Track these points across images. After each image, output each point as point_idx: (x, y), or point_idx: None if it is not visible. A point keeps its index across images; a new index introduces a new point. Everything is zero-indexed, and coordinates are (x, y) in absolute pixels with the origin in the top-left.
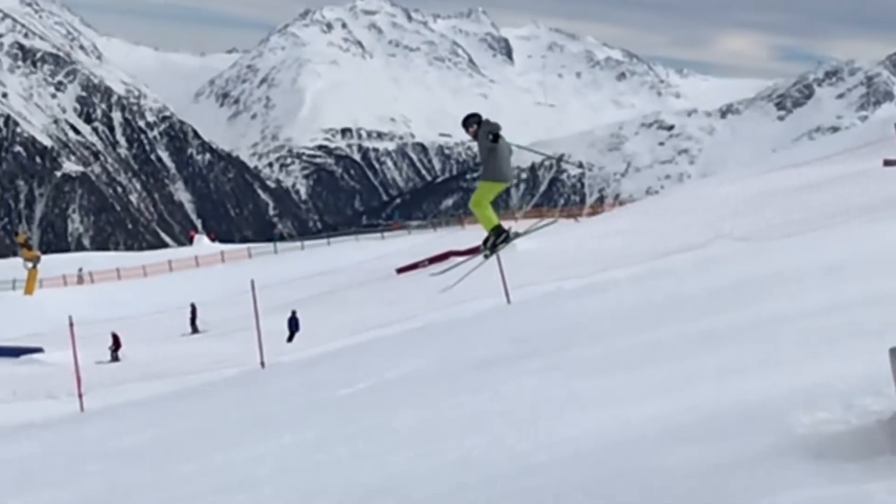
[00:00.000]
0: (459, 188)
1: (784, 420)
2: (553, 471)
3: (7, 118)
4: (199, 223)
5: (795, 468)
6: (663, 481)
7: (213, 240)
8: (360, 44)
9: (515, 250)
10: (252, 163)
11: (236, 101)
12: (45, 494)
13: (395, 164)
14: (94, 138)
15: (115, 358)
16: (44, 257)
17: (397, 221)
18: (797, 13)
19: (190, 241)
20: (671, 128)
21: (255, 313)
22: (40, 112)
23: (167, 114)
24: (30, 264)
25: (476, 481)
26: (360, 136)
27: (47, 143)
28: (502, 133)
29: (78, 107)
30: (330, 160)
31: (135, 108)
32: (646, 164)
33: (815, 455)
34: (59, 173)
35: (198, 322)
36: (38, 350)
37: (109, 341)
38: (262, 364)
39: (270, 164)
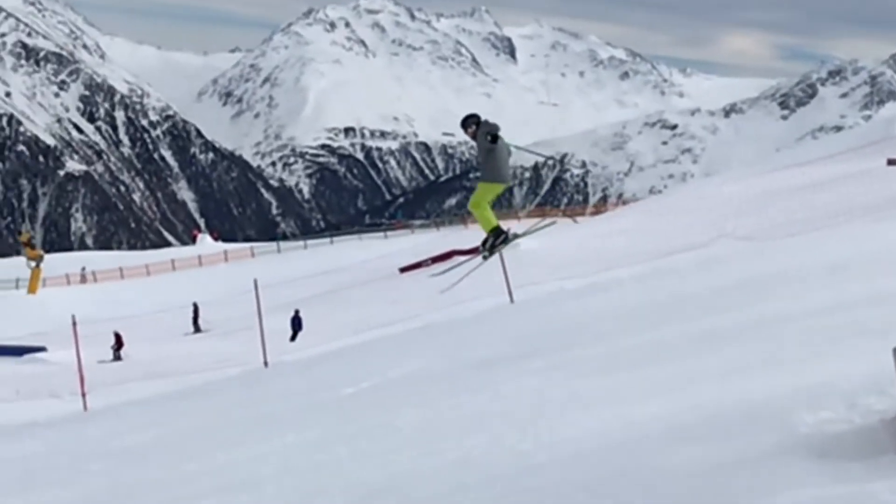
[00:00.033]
0: (463, 187)
1: (787, 419)
2: (555, 470)
3: (10, 117)
4: (202, 222)
5: (799, 467)
6: (666, 481)
7: (216, 239)
8: (363, 43)
9: (518, 249)
10: (255, 162)
11: (239, 101)
12: (47, 493)
13: (398, 163)
14: (97, 137)
15: (117, 357)
16: (47, 256)
17: (400, 221)
18: (800, 12)
19: (193, 240)
20: (674, 127)
21: (258, 312)
22: (43, 111)
23: (170, 113)
24: (33, 263)
25: (478, 481)
26: (363, 136)
27: (50, 142)
28: (501, 133)
29: (81, 106)
30: (333, 159)
31: (138, 107)
32: (649, 164)
33: (818, 454)
34: (62, 172)
35: (200, 321)
36: (42, 349)
37: (112, 340)
38: (266, 363)
39: (273, 164)
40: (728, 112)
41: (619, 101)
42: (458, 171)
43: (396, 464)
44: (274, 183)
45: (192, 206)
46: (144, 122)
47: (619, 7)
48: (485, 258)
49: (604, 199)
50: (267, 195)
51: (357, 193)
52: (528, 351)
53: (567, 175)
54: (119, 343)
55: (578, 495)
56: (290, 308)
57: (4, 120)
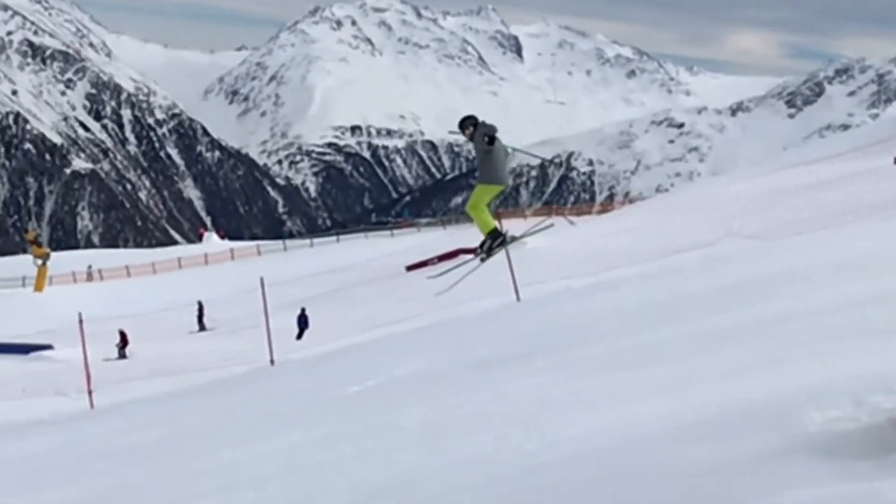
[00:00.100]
0: (469, 186)
1: (794, 418)
2: (559, 470)
3: (17, 115)
4: (208, 220)
5: (805, 466)
6: (671, 480)
7: (222, 237)
8: (369, 41)
9: (524, 248)
10: (261, 160)
11: (246, 99)
12: (53, 491)
13: (404, 161)
14: (103, 135)
15: (122, 355)
16: (53, 254)
17: (407, 219)
18: (807, 10)
19: (199, 238)
20: (681, 125)
21: (264, 311)
22: (50, 109)
23: (176, 111)
24: (39, 261)
25: (482, 480)
26: (369, 134)
27: (57, 140)
28: (498, 135)
29: (87, 104)
30: (339, 158)
31: (144, 105)
32: (656, 162)
33: (825, 453)
34: (68, 170)
35: (205, 319)
36: (48, 347)
37: (117, 339)
38: (272, 361)
39: (280, 162)
40: (735, 110)
41: (626, 99)
42: (464, 170)
43: (401, 463)
44: (280, 181)
45: (199, 205)
46: (151, 121)
47: (626, 5)
48: (482, 260)
49: (610, 197)
50: (273, 193)
51: (363, 192)
52: (533, 350)
53: (573, 174)
54: (124, 341)
55: (582, 495)
56: (296, 306)
57: (11, 118)
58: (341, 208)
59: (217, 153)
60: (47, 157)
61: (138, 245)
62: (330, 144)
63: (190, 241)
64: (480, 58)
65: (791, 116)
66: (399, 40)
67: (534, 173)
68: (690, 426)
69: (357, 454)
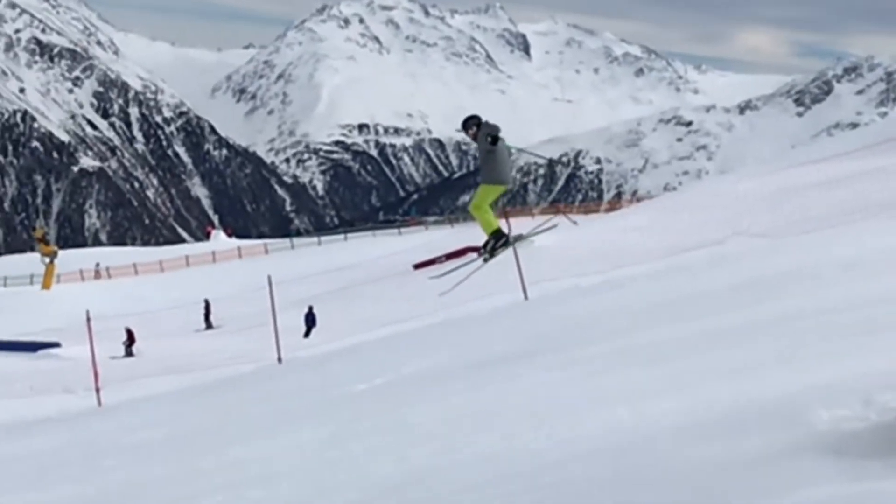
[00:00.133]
0: (476, 184)
1: (802, 417)
2: (571, 467)
3: (24, 113)
4: (215, 219)
5: (814, 465)
6: (681, 477)
7: (229, 235)
8: (377, 39)
9: (532, 246)
10: (269, 158)
11: (253, 97)
12: (61, 489)
13: (411, 159)
14: (111, 133)
15: (129, 353)
16: (61, 252)
17: (414, 217)
18: (816, 9)
19: (207, 236)
20: (689, 124)
21: (272, 309)
22: (57, 107)
23: (184, 109)
24: (47, 259)
25: (493, 478)
26: (376, 132)
27: (64, 138)
28: (502, 135)
29: (95, 102)
30: (347, 156)
31: (152, 103)
32: (664, 161)
33: (834, 452)
34: (76, 168)
35: (212, 318)
36: (56, 345)
37: (124, 336)
38: (279, 359)
39: (287, 160)
40: (743, 109)
41: (634, 97)
42: (472, 168)
43: (410, 460)
44: (288, 179)
45: (206, 203)
46: (158, 119)
47: (634, 3)
48: (485, 261)
49: (618, 196)
50: (281, 192)
51: (371, 190)
52: (541, 348)
53: (581, 172)
54: (131, 339)
55: (592, 492)
56: (303, 304)
57: (18, 116)
58: (349, 206)
59: (224, 151)
60: (55, 155)
61: (146, 243)
62: (337, 142)
63: (197, 239)
64: (488, 56)
65: (799, 115)
66: (407, 38)
67: (541, 172)
68: (699, 424)
69: (365, 452)
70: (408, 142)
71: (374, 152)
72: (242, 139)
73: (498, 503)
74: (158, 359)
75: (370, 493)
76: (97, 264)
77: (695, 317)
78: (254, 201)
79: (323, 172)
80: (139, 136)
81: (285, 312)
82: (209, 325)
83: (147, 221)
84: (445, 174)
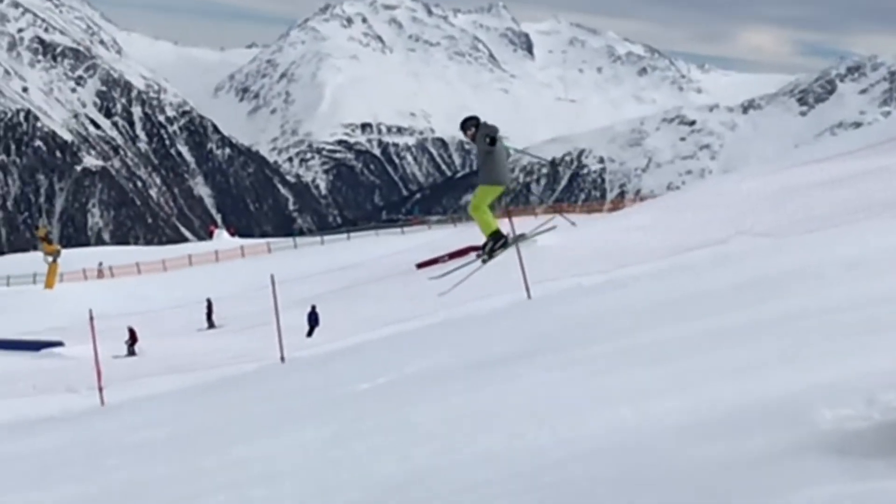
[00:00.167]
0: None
1: (806, 416)
2: (573, 467)
3: (27, 113)
4: (218, 218)
5: (817, 464)
6: (684, 476)
7: (232, 234)
8: (380, 38)
9: (535, 246)
10: (272, 157)
11: (256, 96)
12: (64, 488)
13: (414, 158)
14: (113, 133)
15: (131, 352)
16: (64, 251)
17: (417, 216)
18: (819, 8)
19: (210, 235)
20: (692, 123)
21: (275, 308)
22: (60, 106)
23: (187, 108)
24: (50, 258)
25: (497, 477)
26: (379, 131)
27: (67, 137)
28: (500, 135)
29: (98, 101)
30: (350, 155)
31: (154, 102)
32: (667, 160)
33: (837, 451)
34: (79, 168)
35: (214, 317)
36: (59, 344)
37: (126, 336)
38: (282, 359)
39: (290, 159)
40: (746, 108)
41: (637, 97)
42: (474, 167)
43: (413, 460)
44: (290, 178)
45: (209, 202)
46: (161, 118)
47: (637, 3)
48: (484, 262)
49: (621, 195)
50: (283, 191)
51: (374, 189)
52: (545, 347)
53: (584, 171)
54: (133, 338)
55: (596, 491)
56: (306, 304)
57: (21, 115)
58: (351, 206)
59: (227, 150)
60: (58, 154)
61: (149, 242)
62: (340, 142)
63: (200, 238)
64: (491, 55)
65: (803, 114)
66: (409, 38)
67: (544, 171)
68: (702, 424)
69: (368, 451)
70: (411, 141)
71: (377, 151)
72: (245, 138)
73: (500, 502)
74: (161, 358)
75: (373, 493)
76: (100, 263)
77: (698, 316)
78: (257, 200)
79: (326, 172)
80: (142, 135)
81: (288, 312)
82: (211, 325)
83: (150, 220)
84: (448, 173)
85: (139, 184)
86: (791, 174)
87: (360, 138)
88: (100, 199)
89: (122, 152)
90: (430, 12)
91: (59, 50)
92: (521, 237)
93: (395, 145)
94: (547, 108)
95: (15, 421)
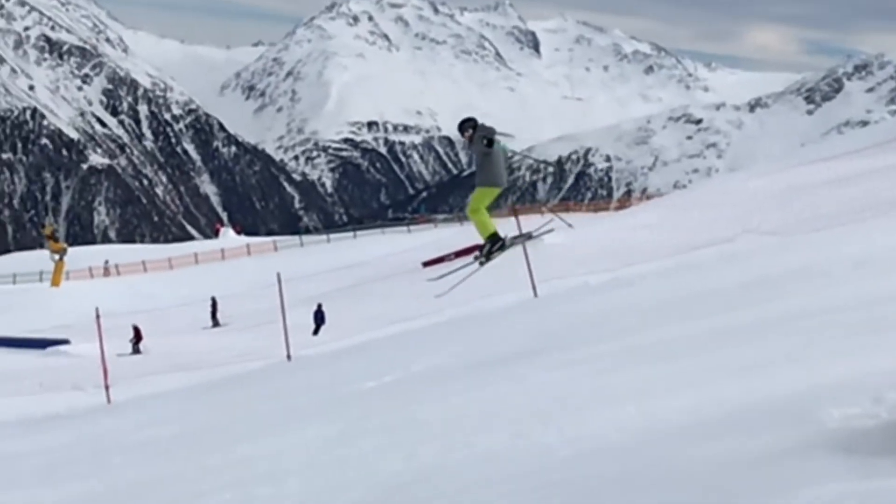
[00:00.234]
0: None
1: (813, 415)
2: (579, 465)
3: (34, 111)
4: (224, 216)
5: (824, 463)
6: (691, 475)
7: (238, 233)
8: (386, 37)
9: (542, 244)
10: (278, 156)
11: (262, 94)
12: (70, 486)
13: (421, 157)
14: (120, 131)
15: (136, 350)
16: (70, 249)
17: (423, 215)
18: (826, 6)
19: (216, 233)
20: (699, 122)
21: (281, 306)
22: (67, 105)
23: (193, 107)
24: (56, 256)
25: (502, 475)
26: (386, 130)
27: (73, 135)
28: (498, 137)
29: (104, 99)
30: (356, 153)
31: (161, 100)
32: (673, 158)
33: (844, 450)
34: (85, 166)
35: (218, 315)
36: (65, 342)
37: (131, 334)
38: (288, 357)
39: (296, 158)
40: (753, 107)
41: (644, 95)
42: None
43: (419, 458)
44: (297, 177)
45: (215, 200)
46: (167, 116)
47: (644, 1)
48: (481, 264)
49: (628, 193)
50: (290, 189)
51: (380, 187)
52: (551, 345)
53: (591, 170)
54: (138, 336)
55: (601, 490)
56: (312, 302)
57: (28, 113)
58: (358, 204)
59: (233, 149)
60: (64, 152)
61: (155, 240)
62: (346, 140)
63: (206, 236)
64: (497, 53)
65: (809, 113)
66: (416, 36)
67: (551, 169)
68: (709, 422)
69: (375, 449)
70: (417, 139)
71: (383, 150)
72: (251, 136)
73: (505, 501)
74: (166, 356)
75: (378, 491)
76: (106, 261)
77: (704, 315)
78: (263, 199)
79: (332, 170)
80: (148, 133)
81: (294, 310)
82: (216, 323)
83: (156, 219)
84: (455, 172)
85: (145, 182)
86: (798, 173)
87: (366, 136)
88: (106, 197)
89: (128, 150)
90: (436, 10)
91: (65, 48)
92: (518, 239)
93: (402, 143)
94: (553, 107)
95: (21, 419)
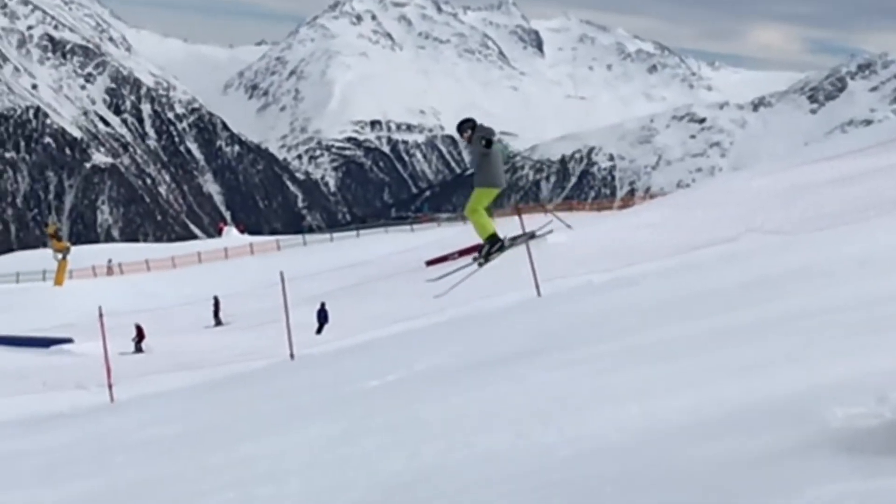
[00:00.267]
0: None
1: (816, 414)
2: (581, 465)
3: (37, 110)
4: (227, 215)
5: (828, 462)
6: (691, 476)
7: (242, 231)
8: (389, 36)
9: (545, 243)
10: (281, 155)
11: (265, 93)
12: (73, 485)
13: (424, 156)
14: (123, 130)
15: (138, 349)
16: (73, 248)
17: (426, 214)
18: (829, 5)
19: (219, 232)
20: (703, 121)
21: (284, 305)
22: (70, 104)
23: (196, 106)
24: (59, 255)
25: (504, 475)
26: (389, 129)
27: (77, 134)
28: (495, 138)
29: (107, 98)
30: (359, 152)
31: (164, 99)
32: (677, 158)
33: (848, 449)
34: (88, 165)
35: (221, 314)
36: (68, 340)
37: (133, 333)
38: (292, 356)
39: (299, 157)
40: (756, 106)
41: (647, 94)
42: None
43: (422, 457)
44: (300, 176)
45: (218, 199)
46: (170, 115)
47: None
48: (480, 265)
49: (631, 192)
50: (293, 188)
51: (383, 186)
52: (553, 345)
53: (594, 168)
54: (140, 335)
55: (604, 490)
56: (315, 301)
57: (31, 112)
58: (361, 203)
59: (237, 148)
60: (67, 151)
61: (158, 239)
62: (349, 139)
63: (209, 235)
64: (501, 52)
65: (813, 112)
66: (419, 35)
67: (554, 168)
68: (711, 422)
69: (377, 448)
70: (420, 138)
71: (386, 149)
72: (254, 136)
73: (506, 501)
74: (169, 355)
75: (379, 491)
76: (109, 260)
77: (707, 314)
78: (266, 198)
79: (335, 169)
80: (151, 132)
81: (298, 309)
82: (218, 322)
83: (159, 218)
84: (458, 171)
85: (148, 181)
86: (801, 172)
87: (369, 135)
88: (109, 196)
89: (131, 149)
90: (439, 9)
91: (68, 47)
92: (517, 240)
93: (405, 142)
94: (557, 106)
95: (24, 417)
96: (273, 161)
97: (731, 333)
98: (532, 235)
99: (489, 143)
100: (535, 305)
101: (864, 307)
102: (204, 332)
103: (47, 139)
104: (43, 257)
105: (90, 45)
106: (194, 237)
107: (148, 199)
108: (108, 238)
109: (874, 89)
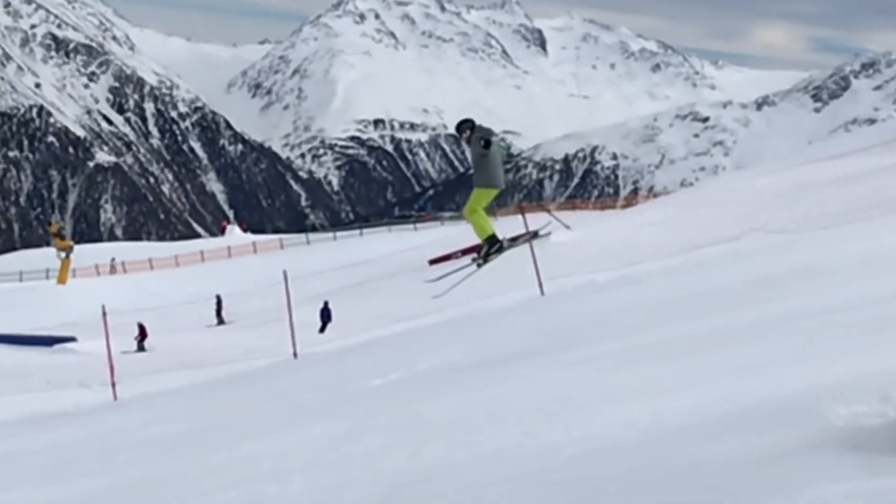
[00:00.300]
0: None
1: (820, 413)
2: (585, 463)
3: (40, 108)
4: (231, 214)
5: (832, 461)
6: (693, 475)
7: (245, 230)
8: (392, 35)
9: (548, 242)
10: (284, 154)
11: (269, 92)
12: (76, 483)
13: (427, 155)
14: (126, 129)
15: (141, 348)
16: (76, 247)
17: (430, 212)
18: (833, 4)
19: (222, 231)
20: (706, 120)
21: (287, 304)
22: (73, 102)
23: (199, 104)
24: (62, 254)
25: (508, 474)
26: (392, 128)
27: (80, 133)
28: (496, 138)
29: (111, 97)
30: (362, 151)
31: (167, 98)
32: (680, 156)
33: (851, 448)
34: (91, 164)
35: (223, 313)
36: (71, 339)
37: (136, 331)
38: (295, 355)
39: (303, 155)
40: (760, 105)
41: (651, 93)
42: None
43: (425, 456)
44: (303, 175)
45: (221, 198)
46: (174, 114)
47: None
48: (479, 266)
49: (635, 191)
50: (296, 187)
51: (386, 185)
52: (557, 344)
53: (598, 167)
54: (143, 334)
55: (607, 488)
56: (318, 300)
57: (34, 111)
58: (364, 202)
59: (240, 147)
60: (70, 150)
61: (161, 238)
62: (353, 138)
63: (212, 234)
64: (504, 51)
65: (817, 111)
66: (422, 34)
67: (558, 167)
68: (715, 421)
69: (381, 447)
70: (423, 137)
71: (389, 148)
72: (258, 134)
73: (509, 500)
74: (172, 354)
75: (383, 489)
76: (112, 259)
77: (711, 313)
78: (269, 196)
79: (338, 168)
80: (154, 131)
81: (300, 308)
82: (220, 321)
83: (162, 216)
84: (461, 170)
85: (151, 180)
86: (805, 171)
87: (372, 134)
88: (112, 194)
89: (134, 148)
90: (442, 8)
91: (71, 46)
92: (516, 241)
93: (408, 141)
94: (560, 105)
95: (28, 416)
96: (276, 160)
97: (734, 332)
98: (532, 236)
99: (488, 144)
100: (539, 304)
101: (867, 306)
102: (207, 330)
103: (51, 138)
104: (46, 256)
105: (93, 44)
106: (197, 236)
107: (151, 198)
108: (112, 237)
109: (878, 88)
